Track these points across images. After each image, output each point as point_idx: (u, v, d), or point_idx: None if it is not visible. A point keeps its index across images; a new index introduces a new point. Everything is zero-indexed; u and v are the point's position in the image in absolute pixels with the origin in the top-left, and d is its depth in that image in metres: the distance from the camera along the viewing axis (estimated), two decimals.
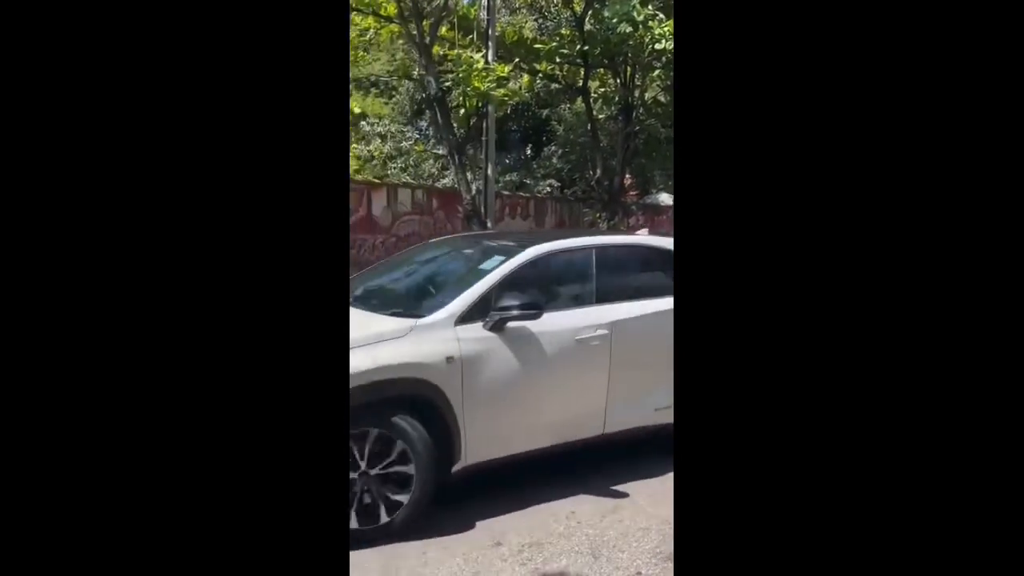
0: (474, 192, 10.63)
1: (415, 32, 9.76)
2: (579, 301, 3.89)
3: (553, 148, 15.88)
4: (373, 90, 16.68)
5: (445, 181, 14.29)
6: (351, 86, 16.84)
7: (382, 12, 11.17)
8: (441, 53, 11.28)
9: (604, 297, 3.89)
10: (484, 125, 10.88)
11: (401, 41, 13.18)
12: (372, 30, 12.30)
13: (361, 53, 14.12)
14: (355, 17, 12.11)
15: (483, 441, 3.48)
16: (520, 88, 12.91)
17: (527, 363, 3.56)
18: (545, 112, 15.74)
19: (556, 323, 3.66)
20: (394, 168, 15.01)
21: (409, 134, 15.55)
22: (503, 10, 14.03)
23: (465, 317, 3.48)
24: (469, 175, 10.40)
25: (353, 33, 13.20)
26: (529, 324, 3.56)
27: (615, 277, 4.02)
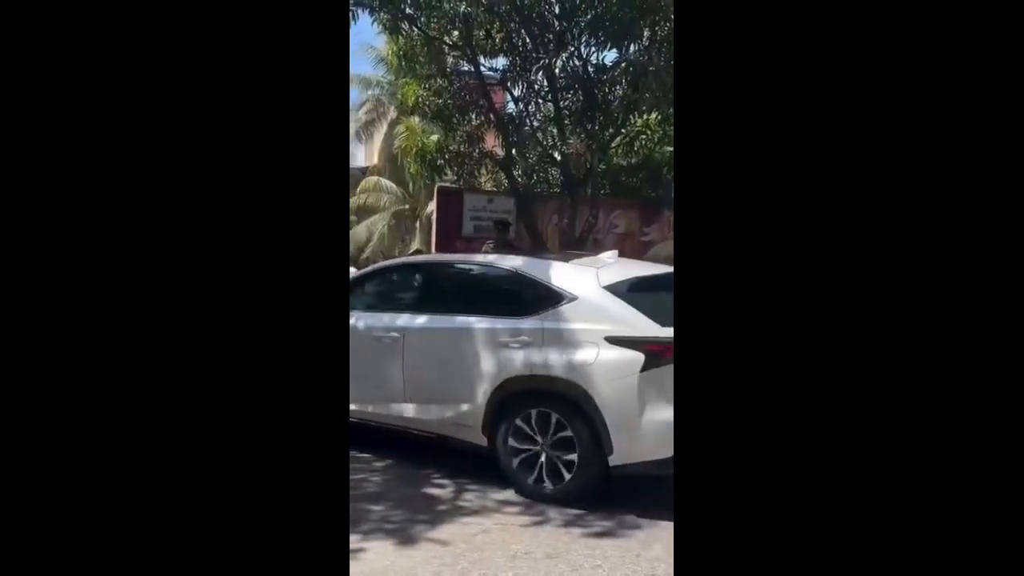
0: None
1: None
2: (391, 307, 4.56)
3: None
4: None
5: None
6: None
7: None
8: None
9: (417, 307, 4.44)
10: None
11: None
12: None
13: None
14: None
15: None
16: None
17: None
18: None
19: (363, 321, 4.48)
20: None
21: None
22: None
23: None
24: None
25: None
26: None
27: (438, 292, 4.52)
